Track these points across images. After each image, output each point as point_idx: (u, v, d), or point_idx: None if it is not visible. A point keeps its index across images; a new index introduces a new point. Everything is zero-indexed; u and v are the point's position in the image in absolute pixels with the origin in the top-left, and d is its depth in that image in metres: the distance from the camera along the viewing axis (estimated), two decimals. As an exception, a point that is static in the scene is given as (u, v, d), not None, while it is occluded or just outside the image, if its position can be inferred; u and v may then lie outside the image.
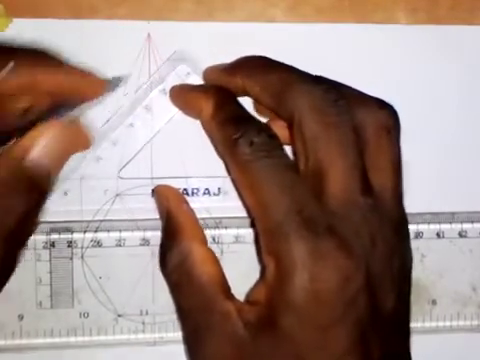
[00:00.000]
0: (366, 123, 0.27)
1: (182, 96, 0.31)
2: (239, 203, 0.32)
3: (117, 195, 0.32)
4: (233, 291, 0.31)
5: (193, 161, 0.33)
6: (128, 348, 0.33)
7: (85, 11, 0.32)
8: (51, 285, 0.32)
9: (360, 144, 0.26)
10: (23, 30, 0.32)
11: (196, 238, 0.28)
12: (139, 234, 0.33)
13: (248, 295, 0.27)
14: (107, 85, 0.30)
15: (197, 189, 0.33)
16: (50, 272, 0.32)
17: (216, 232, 0.33)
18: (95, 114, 0.32)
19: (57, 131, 0.26)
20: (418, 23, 0.35)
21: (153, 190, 0.32)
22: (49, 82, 0.27)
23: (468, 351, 0.35)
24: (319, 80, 0.27)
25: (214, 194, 0.33)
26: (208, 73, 0.32)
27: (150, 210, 0.32)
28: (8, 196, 0.24)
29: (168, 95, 0.32)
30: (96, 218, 0.32)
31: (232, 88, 0.29)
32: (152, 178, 0.33)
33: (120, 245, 0.32)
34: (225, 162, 0.27)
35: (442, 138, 0.35)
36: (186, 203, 0.31)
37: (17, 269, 0.31)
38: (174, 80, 0.32)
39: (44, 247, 0.32)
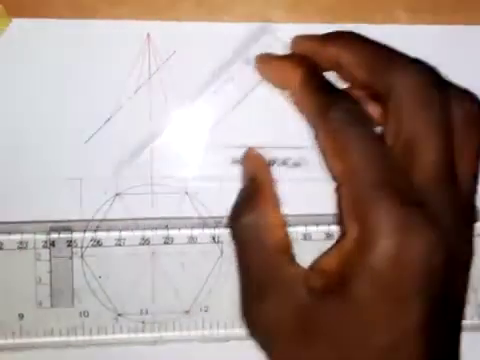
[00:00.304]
0: (455, 112, 0.27)
1: (268, 65, 0.32)
2: (316, 174, 0.32)
3: (117, 194, 0.32)
4: (233, 289, 0.31)
5: (273, 131, 0.33)
6: (128, 347, 0.33)
7: (85, 11, 0.32)
8: (51, 284, 0.32)
9: (451, 130, 0.27)
10: (23, 30, 0.32)
11: (274, 203, 0.29)
12: (139, 233, 0.33)
13: (314, 263, 0.28)
14: None
15: (275, 159, 0.33)
16: (50, 271, 0.32)
17: (216, 231, 0.33)
18: (95, 113, 0.32)
19: None
20: (419, 23, 0.35)
21: (243, 157, 0.32)
22: None
23: (469, 351, 0.35)
24: (418, 61, 0.28)
25: (294, 165, 0.33)
26: (298, 41, 0.32)
27: (150, 209, 0.33)
28: None
29: (252, 65, 0.32)
30: (96, 217, 0.32)
31: (323, 57, 0.30)
32: (234, 147, 0.33)
33: (120, 244, 0.32)
34: (314, 128, 0.28)
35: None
36: (271, 172, 0.31)
37: (17, 269, 0.31)
38: (258, 50, 0.32)
39: (44, 246, 0.32)
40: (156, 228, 0.33)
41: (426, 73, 0.27)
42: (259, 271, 0.27)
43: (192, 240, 0.33)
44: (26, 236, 0.32)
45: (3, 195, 0.32)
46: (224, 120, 0.33)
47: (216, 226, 0.33)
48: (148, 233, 0.33)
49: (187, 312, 0.33)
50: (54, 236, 0.32)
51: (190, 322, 0.33)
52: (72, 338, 0.32)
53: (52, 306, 0.32)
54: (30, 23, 0.32)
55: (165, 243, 0.33)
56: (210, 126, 0.33)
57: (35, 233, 0.32)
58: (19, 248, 0.32)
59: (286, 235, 0.28)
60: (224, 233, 0.33)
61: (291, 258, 0.27)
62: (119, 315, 0.33)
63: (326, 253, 0.28)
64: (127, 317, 0.33)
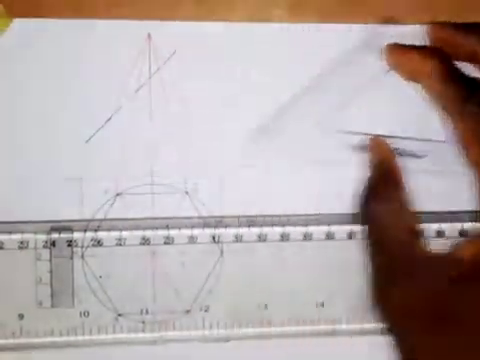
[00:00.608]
0: None
1: (398, 55, 0.31)
2: (442, 167, 0.33)
3: (117, 194, 0.32)
4: (233, 289, 0.31)
5: (403, 122, 0.34)
6: (128, 347, 0.33)
7: (86, 11, 0.32)
8: (51, 284, 0.32)
9: None
10: (23, 30, 0.32)
11: (404, 190, 0.29)
12: (139, 233, 0.33)
13: (450, 250, 0.27)
14: None
15: (399, 149, 0.33)
16: (50, 271, 0.32)
17: (216, 231, 0.33)
18: (96, 113, 0.32)
19: None
20: (419, 23, 0.35)
21: (369, 144, 0.31)
22: None
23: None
24: None
25: (417, 157, 0.33)
26: (435, 29, 0.31)
27: (150, 209, 0.33)
28: None
29: (382, 54, 0.32)
30: (96, 217, 0.32)
31: (461, 47, 0.29)
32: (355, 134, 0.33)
33: (120, 244, 0.32)
34: (450, 120, 0.28)
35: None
36: (397, 160, 0.31)
37: (17, 268, 0.31)
38: (380, 42, 0.32)
39: (44, 246, 0.32)
40: (156, 228, 0.33)
41: None
42: (393, 255, 0.27)
43: (192, 240, 0.33)
44: (27, 236, 0.32)
45: (3, 195, 0.32)
46: (347, 107, 0.33)
47: (216, 226, 0.33)
48: (148, 233, 0.33)
49: (187, 312, 0.33)
50: (55, 236, 0.32)
51: (190, 322, 0.33)
52: (72, 338, 0.32)
53: (52, 306, 0.32)
54: (30, 23, 0.32)
55: (165, 243, 0.33)
56: (332, 112, 0.33)
57: (36, 233, 0.32)
58: (20, 248, 0.32)
59: (417, 222, 0.28)
60: (225, 233, 0.33)
61: (424, 244, 0.27)
62: (119, 315, 0.33)
63: (465, 242, 0.27)
64: (127, 317, 0.33)
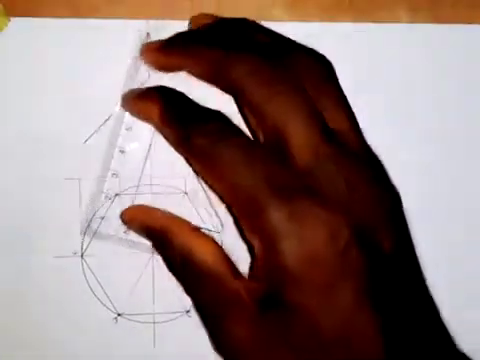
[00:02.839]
0: (303, 75, 0.26)
1: (128, 100, 0.30)
2: None
3: (116, 195, 0.32)
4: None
5: None
6: (128, 348, 0.33)
7: (84, 10, 0.32)
8: None
9: (307, 95, 0.25)
10: (23, 30, 0.32)
11: (183, 230, 0.28)
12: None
13: (250, 273, 0.27)
14: None
15: None
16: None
17: (216, 231, 0.33)
18: (94, 113, 0.32)
19: None
20: (419, 22, 0.34)
21: (122, 216, 0.31)
22: None
23: None
24: (251, 43, 0.27)
25: None
26: (146, 54, 0.30)
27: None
28: None
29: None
30: (95, 218, 0.32)
31: (170, 68, 0.29)
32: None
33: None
34: (186, 160, 0.28)
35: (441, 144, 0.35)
36: (153, 209, 0.30)
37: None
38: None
39: None
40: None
41: (260, 53, 0.26)
42: (208, 299, 0.26)
43: (192, 240, 0.33)
44: None
45: (2, 195, 0.32)
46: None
47: (216, 226, 0.33)
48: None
49: (187, 312, 0.33)
50: None
51: (190, 322, 0.33)
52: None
53: None
54: (30, 23, 0.32)
55: None
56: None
57: None
58: None
59: (217, 248, 0.27)
60: (224, 233, 0.33)
61: (232, 270, 0.26)
62: (119, 315, 0.33)
63: (251, 264, 0.27)
64: (127, 317, 0.33)
